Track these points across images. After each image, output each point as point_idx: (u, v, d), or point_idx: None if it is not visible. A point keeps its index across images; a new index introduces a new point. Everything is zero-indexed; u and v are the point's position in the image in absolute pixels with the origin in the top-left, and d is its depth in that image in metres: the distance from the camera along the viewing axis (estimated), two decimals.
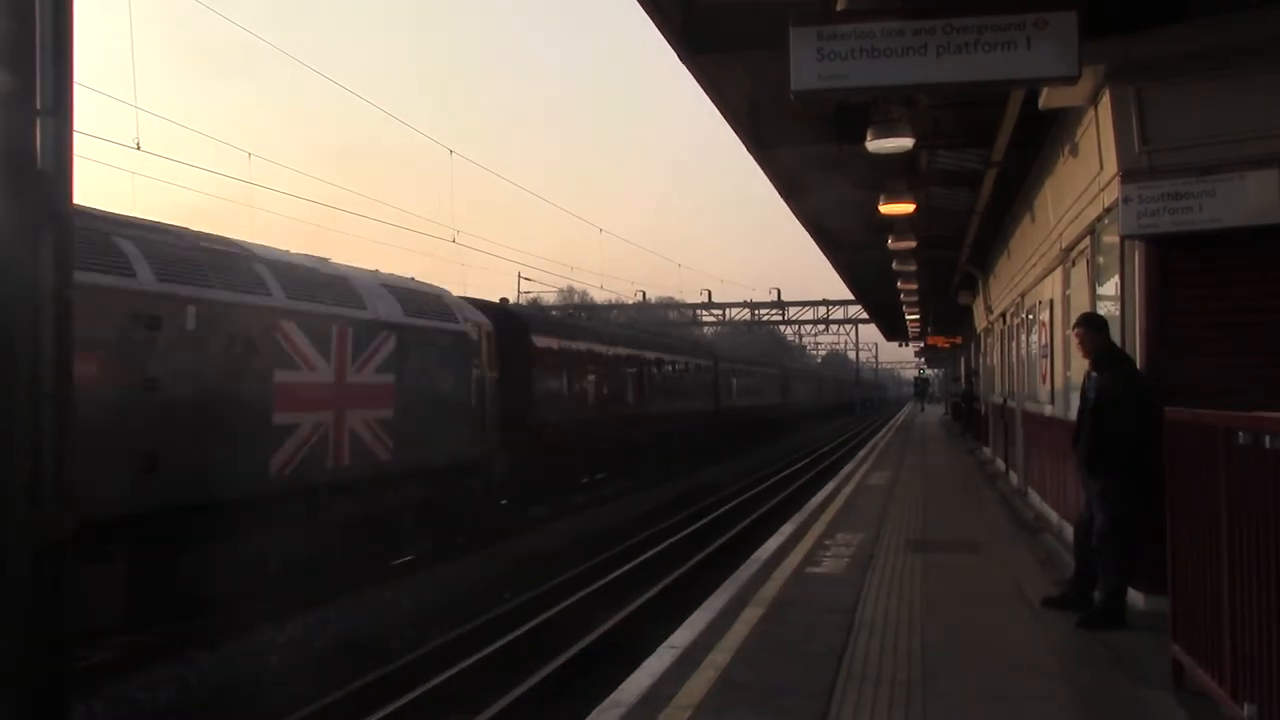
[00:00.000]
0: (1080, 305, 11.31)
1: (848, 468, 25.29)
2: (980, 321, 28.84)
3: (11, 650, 3.60)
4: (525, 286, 61.18)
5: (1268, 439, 4.88)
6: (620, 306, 68.09)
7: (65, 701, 3.76)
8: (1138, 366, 8.53)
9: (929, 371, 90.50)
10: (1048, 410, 14.20)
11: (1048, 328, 14.36)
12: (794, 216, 20.05)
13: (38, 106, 3.78)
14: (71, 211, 3.92)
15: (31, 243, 3.71)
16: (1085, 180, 10.24)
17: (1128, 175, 8.50)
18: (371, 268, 17.46)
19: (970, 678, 7.00)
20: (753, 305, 67.19)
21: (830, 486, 20.31)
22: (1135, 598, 8.48)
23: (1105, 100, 8.74)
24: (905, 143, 11.04)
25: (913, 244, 19.29)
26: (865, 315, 60.06)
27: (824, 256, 26.62)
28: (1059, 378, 13.32)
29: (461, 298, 20.34)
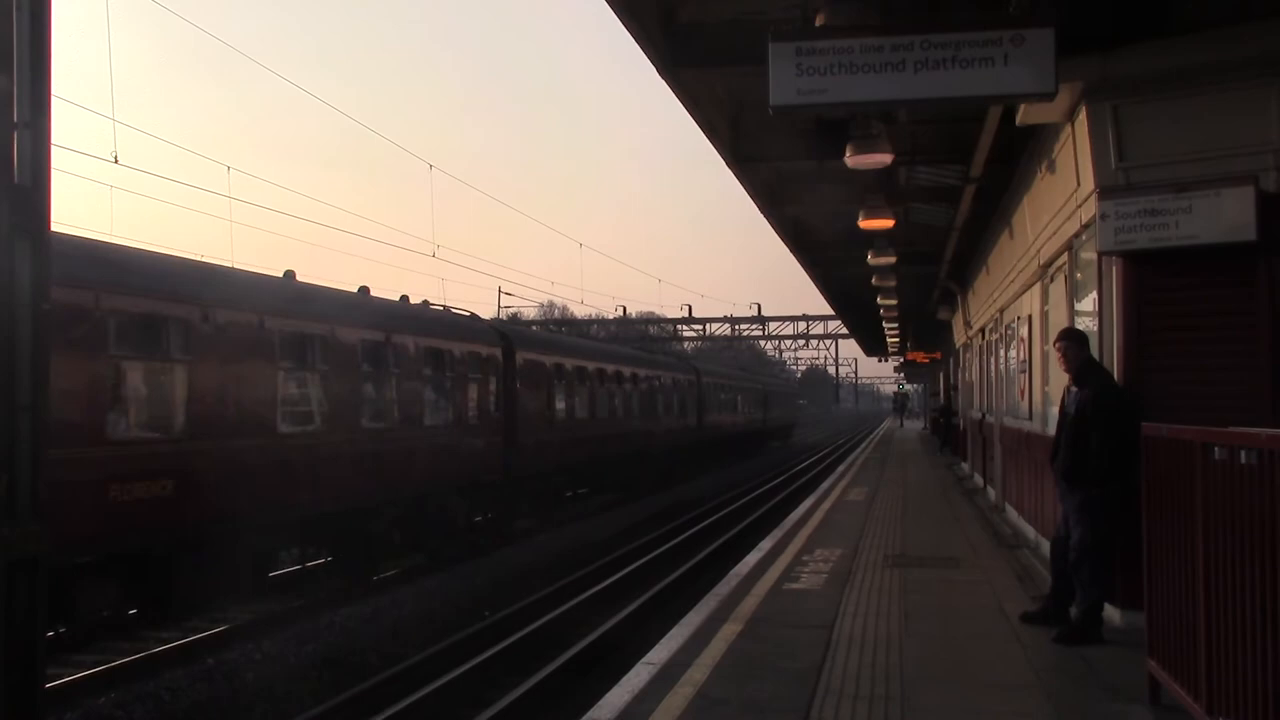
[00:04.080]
0: (1059, 321, 11.36)
1: (826, 483, 25.31)
2: (959, 337, 28.96)
3: None
4: (506, 301, 61.15)
5: (1243, 454, 4.90)
6: (600, 321, 68.09)
7: (39, 718, 3.74)
8: (1116, 381, 8.57)
9: (908, 387, 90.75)
10: (1026, 426, 14.25)
11: (1026, 343, 14.41)
12: (774, 231, 20.12)
13: (15, 120, 3.77)
14: (49, 225, 3.91)
15: (9, 256, 3.69)
16: (1063, 196, 10.30)
17: (1105, 191, 8.56)
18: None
19: (948, 693, 7.01)
20: (733, 320, 67.32)
21: (809, 502, 20.32)
22: (1112, 613, 8.52)
23: (1082, 117, 8.81)
24: (884, 158, 11.10)
25: (892, 259, 19.37)
26: (845, 330, 60.20)
27: (804, 271, 26.70)
28: (1037, 393, 13.37)
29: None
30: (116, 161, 17.33)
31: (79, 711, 10.21)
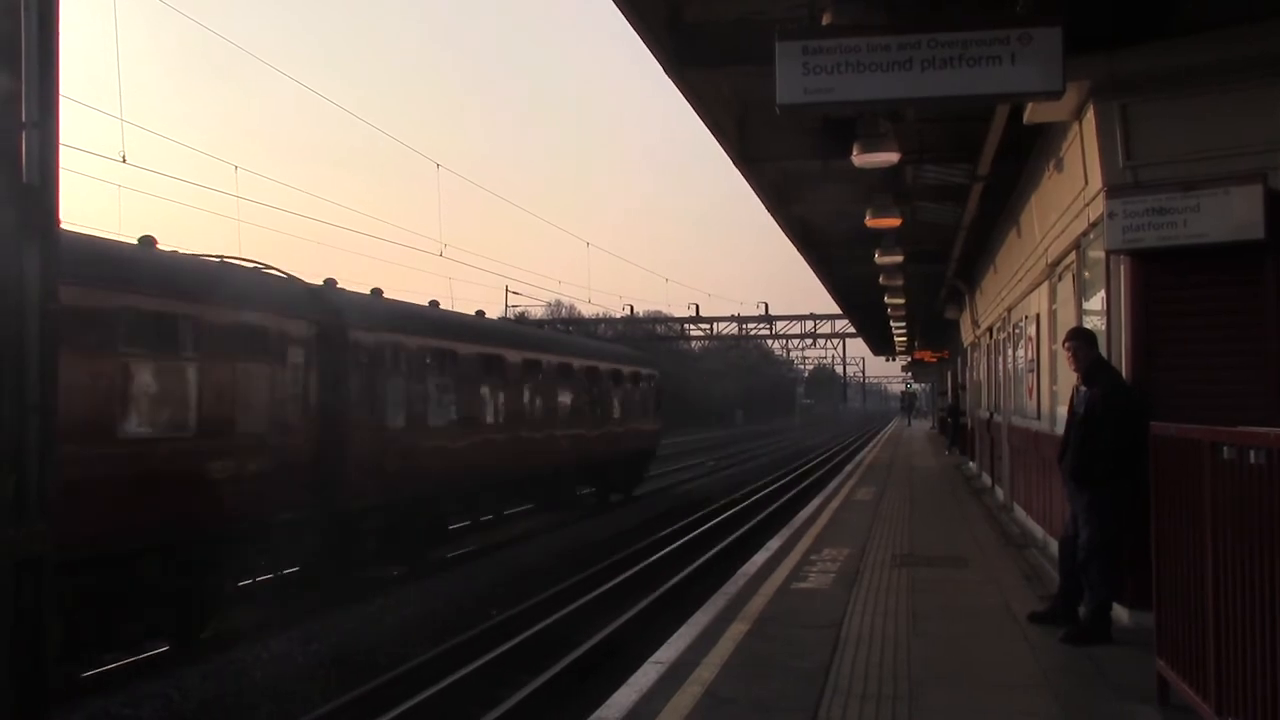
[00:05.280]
0: (1067, 320, 11.34)
1: (835, 482, 25.30)
2: (967, 336, 28.91)
3: None
4: (513, 300, 61.14)
5: (1252, 453, 4.89)
6: (608, 320, 68.08)
7: (46, 718, 3.74)
8: (1125, 380, 8.56)
9: (915, 386, 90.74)
10: (1034, 425, 14.22)
11: (1034, 342, 14.39)
12: (781, 230, 20.10)
13: (23, 119, 3.77)
14: (57, 224, 3.91)
15: (17, 256, 3.70)
16: (1071, 195, 10.28)
17: (1113, 190, 8.54)
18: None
19: (956, 693, 7.00)
20: (740, 319, 67.25)
21: (817, 501, 20.31)
22: (1121, 613, 8.50)
23: (1090, 115, 8.78)
24: (891, 157, 11.09)
25: (899, 258, 19.34)
26: (853, 329, 60.14)
27: (812, 270, 26.67)
28: (1045, 392, 13.35)
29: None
30: (125, 161, 17.37)
31: (87, 711, 10.23)
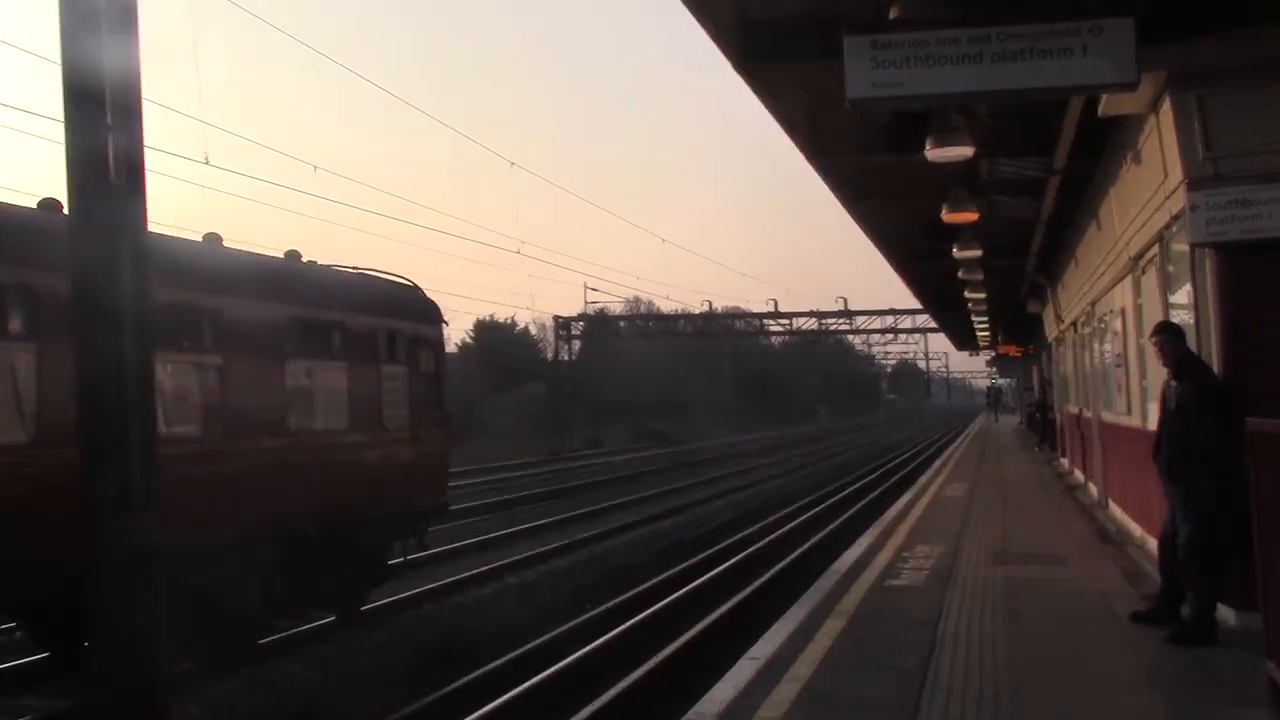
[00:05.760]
0: (1152, 314, 11.15)
1: (924, 478, 25.11)
2: (1051, 330, 28.50)
3: (111, 652, 3.74)
4: (592, 297, 61.60)
5: None
6: (687, 316, 67.90)
7: (165, 703, 3.88)
8: (1216, 374, 8.38)
9: (1000, 381, 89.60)
10: (1124, 420, 13.99)
11: (1121, 337, 14.16)
12: (857, 224, 19.97)
13: (109, 123, 3.90)
14: (145, 226, 4.05)
15: (109, 258, 3.84)
16: (1150, 188, 10.10)
17: (1194, 183, 8.36)
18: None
19: (1059, 692, 6.91)
20: (819, 314, 66.39)
21: (906, 497, 20.17)
22: (1227, 614, 8.23)
23: (1167, 107, 8.63)
24: (965, 151, 10.94)
25: (978, 253, 19.12)
26: (934, 325, 59.31)
27: (890, 265, 26.45)
28: (1135, 387, 13.11)
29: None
30: (208, 162, 17.57)
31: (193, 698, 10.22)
